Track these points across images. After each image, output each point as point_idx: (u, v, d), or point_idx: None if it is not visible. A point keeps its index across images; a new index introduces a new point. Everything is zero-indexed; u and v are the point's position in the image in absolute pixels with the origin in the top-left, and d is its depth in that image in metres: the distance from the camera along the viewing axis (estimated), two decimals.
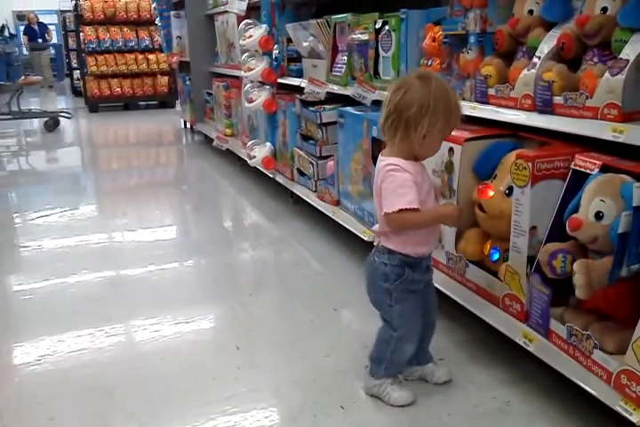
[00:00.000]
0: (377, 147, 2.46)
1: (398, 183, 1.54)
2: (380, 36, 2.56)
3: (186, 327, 2.21)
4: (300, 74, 3.55)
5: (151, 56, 9.42)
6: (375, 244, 1.71)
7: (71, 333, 2.18)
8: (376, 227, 1.68)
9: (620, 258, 1.24)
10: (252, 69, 3.71)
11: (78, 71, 11.01)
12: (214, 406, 1.71)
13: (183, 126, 7.27)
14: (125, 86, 9.35)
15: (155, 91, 9.49)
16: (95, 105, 9.28)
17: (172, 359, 1.99)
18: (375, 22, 2.56)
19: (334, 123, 2.93)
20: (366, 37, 2.66)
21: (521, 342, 1.66)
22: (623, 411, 1.34)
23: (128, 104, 9.53)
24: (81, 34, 9.42)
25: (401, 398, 1.67)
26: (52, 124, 7.35)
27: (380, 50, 2.58)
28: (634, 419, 1.32)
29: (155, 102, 9.67)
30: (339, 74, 3.00)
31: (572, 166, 1.59)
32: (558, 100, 1.63)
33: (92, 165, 5.84)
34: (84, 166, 5.81)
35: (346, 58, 2.93)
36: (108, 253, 3.09)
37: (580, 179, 1.55)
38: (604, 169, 1.50)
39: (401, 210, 1.51)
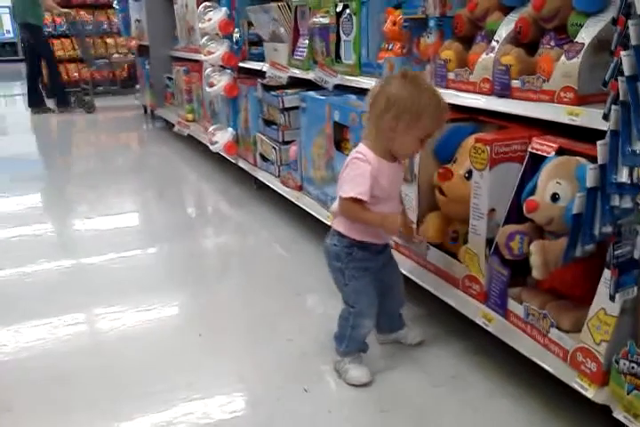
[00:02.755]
0: (339, 131, 2.46)
1: (359, 172, 1.59)
2: (341, 20, 2.53)
3: (147, 315, 2.19)
4: (261, 58, 3.50)
5: (109, 40, 9.19)
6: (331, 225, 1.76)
7: (29, 322, 2.13)
8: (334, 207, 1.73)
9: (574, 238, 1.26)
10: (212, 53, 3.65)
11: None
12: (176, 394, 1.70)
13: (143, 112, 7.13)
14: (83, 71, 9.09)
15: (114, 76, 9.26)
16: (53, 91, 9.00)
17: (133, 347, 1.97)
18: (336, 6, 2.54)
19: (297, 107, 2.91)
20: (327, 21, 2.64)
21: (480, 323, 1.69)
22: (579, 387, 1.38)
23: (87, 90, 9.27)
24: None
25: (355, 377, 1.71)
26: None
27: (342, 33, 2.56)
28: (589, 394, 1.36)
29: (114, 88, 9.43)
30: (300, 58, 2.98)
31: (529, 149, 1.61)
32: (516, 83, 1.64)
33: (49, 153, 5.68)
34: (42, 154, 5.64)
35: (307, 42, 2.90)
36: (66, 241, 3.02)
37: (537, 162, 1.58)
38: (561, 152, 1.52)
39: (352, 198, 1.58)
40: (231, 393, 1.71)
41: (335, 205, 1.71)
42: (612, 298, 1.20)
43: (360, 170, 1.59)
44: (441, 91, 1.92)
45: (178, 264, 2.70)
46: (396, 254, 2.11)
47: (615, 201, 1.14)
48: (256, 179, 3.59)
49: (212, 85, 3.70)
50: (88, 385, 1.76)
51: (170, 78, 5.66)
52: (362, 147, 1.63)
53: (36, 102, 7.60)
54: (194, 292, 2.40)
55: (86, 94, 7.92)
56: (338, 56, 2.62)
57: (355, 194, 1.58)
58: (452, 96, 1.89)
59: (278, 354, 1.89)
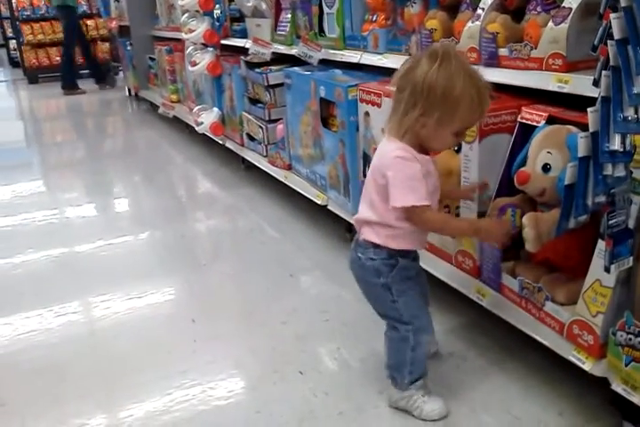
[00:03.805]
0: (325, 108, 2.40)
1: (409, 174, 1.33)
2: None
3: (139, 302, 2.16)
4: (244, 34, 3.42)
5: (89, 22, 8.99)
6: (355, 238, 1.51)
7: (18, 315, 2.10)
8: (360, 216, 1.47)
9: (567, 209, 1.23)
10: (193, 31, 3.56)
11: (14, 41, 10.44)
12: (171, 381, 1.68)
13: (127, 94, 7.01)
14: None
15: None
16: (34, 76, 8.85)
17: (126, 336, 1.94)
18: None
19: (282, 84, 2.85)
20: None
21: (474, 298, 1.67)
22: (576, 360, 1.37)
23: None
24: (13, 0, 8.89)
25: (434, 410, 1.46)
26: None
27: (324, 6, 2.49)
28: (586, 367, 1.34)
29: None
30: (283, 33, 2.90)
31: (518, 119, 1.57)
32: (503, 52, 1.59)
33: (34, 139, 5.59)
34: (27, 140, 5.55)
35: (290, 16, 2.82)
36: (54, 230, 2.97)
37: (527, 132, 1.54)
38: (551, 121, 1.48)
39: (414, 207, 1.33)
40: (227, 379, 1.69)
41: (364, 214, 1.45)
42: (607, 269, 1.17)
43: (410, 170, 1.33)
44: None
45: (168, 249, 2.67)
46: None
47: (608, 170, 1.10)
48: (244, 159, 3.54)
49: (194, 64, 3.62)
50: (81, 376, 1.74)
51: (152, 59, 5.55)
52: (396, 142, 1.35)
53: (69, 85, 7.55)
54: (185, 277, 2.37)
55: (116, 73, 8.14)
56: (321, 30, 2.55)
57: (415, 201, 1.32)
58: None
59: (273, 337, 1.87)
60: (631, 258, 1.18)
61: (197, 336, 1.91)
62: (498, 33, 1.60)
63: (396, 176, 1.33)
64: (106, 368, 1.77)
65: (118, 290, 2.24)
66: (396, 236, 1.41)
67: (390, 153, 1.35)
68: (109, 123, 6.11)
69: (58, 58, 8.82)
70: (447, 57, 1.30)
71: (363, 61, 2.26)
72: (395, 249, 1.42)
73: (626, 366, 1.24)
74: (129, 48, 6.10)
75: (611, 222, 1.16)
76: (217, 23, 3.60)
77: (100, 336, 1.96)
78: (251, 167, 3.47)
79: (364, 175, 2.18)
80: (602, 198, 1.15)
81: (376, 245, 1.43)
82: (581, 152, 1.15)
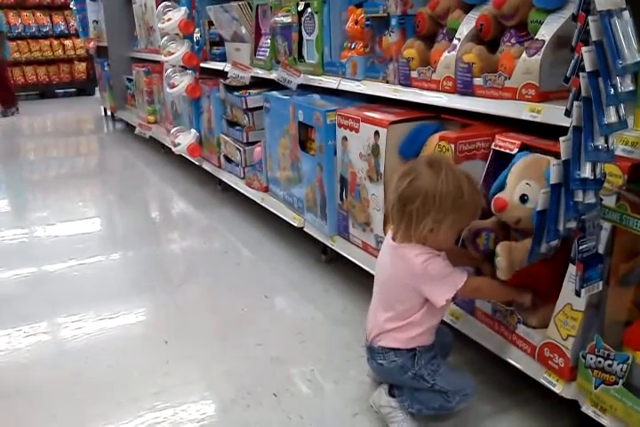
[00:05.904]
0: (304, 131, 2.43)
1: (439, 267, 1.39)
2: (302, 19, 2.51)
3: (110, 323, 2.13)
4: (223, 58, 3.46)
5: (67, 42, 9.01)
6: (367, 345, 1.53)
7: None
8: (376, 325, 1.50)
9: (539, 235, 1.26)
10: (172, 54, 3.58)
11: None
12: (142, 403, 1.65)
13: (103, 114, 6.98)
14: (41, 74, 8.91)
15: (72, 78, 9.10)
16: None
17: (97, 357, 1.91)
18: (297, 4, 2.51)
19: (260, 108, 2.87)
20: (289, 20, 2.62)
21: (448, 320, 1.68)
22: (547, 382, 1.39)
23: (44, 92, 9.08)
24: None
25: None
26: None
27: (304, 33, 2.54)
28: (557, 390, 1.36)
29: (73, 90, 9.25)
30: (263, 57, 2.94)
31: (492, 147, 1.61)
32: (478, 81, 1.64)
33: (7, 157, 5.50)
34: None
35: (269, 41, 2.87)
36: (25, 249, 2.92)
37: (500, 159, 1.58)
38: (524, 149, 1.53)
39: (463, 286, 1.39)
40: (199, 401, 1.67)
41: (383, 325, 1.47)
42: (577, 293, 1.21)
43: (439, 266, 1.39)
44: (404, 90, 1.94)
45: (142, 270, 2.64)
46: (357, 250, 2.11)
47: (579, 196, 1.13)
48: (220, 181, 3.54)
49: (173, 86, 3.63)
50: (49, 398, 1.70)
51: (130, 80, 5.56)
52: (413, 249, 1.40)
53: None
54: (159, 298, 2.34)
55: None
56: (300, 55, 2.60)
57: (461, 281, 1.38)
58: (415, 95, 1.89)
59: (247, 359, 1.86)
60: (601, 282, 1.22)
61: (170, 358, 1.88)
62: (473, 63, 1.65)
63: (433, 277, 1.38)
64: (76, 390, 1.73)
65: (90, 310, 2.21)
66: (420, 334, 1.46)
67: (415, 259, 1.39)
68: (84, 142, 6.07)
69: (33, 76, 8.82)
70: (447, 165, 1.38)
71: (341, 87, 2.30)
72: (415, 347, 1.46)
73: (595, 388, 1.27)
74: (106, 68, 6.11)
75: (581, 248, 1.19)
76: (196, 46, 3.64)
77: (71, 357, 1.92)
78: (227, 189, 3.47)
79: (341, 199, 2.21)
80: (573, 224, 1.19)
81: (396, 349, 1.46)
82: (553, 179, 1.18)
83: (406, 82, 1.95)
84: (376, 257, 2.03)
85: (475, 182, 1.42)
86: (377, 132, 1.92)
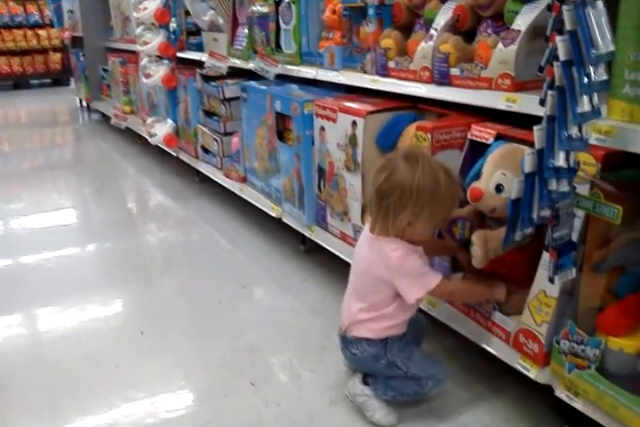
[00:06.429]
0: (281, 121, 2.43)
1: (416, 267, 1.41)
2: (280, 9, 2.50)
3: (86, 314, 2.11)
4: (200, 48, 3.42)
5: (41, 32, 8.82)
6: (341, 335, 1.55)
7: None
8: (350, 316, 1.51)
9: (513, 223, 1.28)
10: (148, 43, 3.54)
11: None
12: (118, 394, 1.64)
13: (79, 105, 6.88)
14: (15, 64, 8.73)
15: (47, 68, 8.92)
16: None
17: (73, 348, 1.89)
18: None
19: (238, 98, 2.86)
20: (266, 10, 2.60)
21: (424, 308, 1.70)
22: (522, 368, 1.41)
23: (19, 83, 8.90)
24: None
25: (386, 417, 1.49)
26: None
27: (281, 22, 2.52)
28: (531, 375, 1.38)
29: (48, 80, 9.09)
30: (240, 47, 2.92)
31: (468, 136, 1.62)
32: (455, 71, 1.65)
33: None
34: None
35: (247, 31, 2.85)
36: (0, 241, 2.88)
37: (477, 148, 1.59)
38: (499, 138, 1.54)
39: (436, 286, 1.41)
40: (175, 391, 1.66)
41: (355, 315, 1.49)
42: (551, 280, 1.22)
43: (415, 263, 1.40)
44: (382, 80, 1.94)
45: (118, 261, 2.61)
46: (335, 240, 2.11)
47: (553, 185, 1.15)
48: (198, 171, 3.52)
49: (148, 76, 3.59)
50: (25, 389, 1.68)
51: (105, 70, 5.48)
52: (389, 240, 1.42)
53: None
54: (135, 289, 2.32)
55: None
56: (278, 45, 2.58)
57: (434, 284, 1.40)
58: (393, 85, 1.89)
59: (224, 349, 1.85)
60: (574, 269, 1.24)
61: (146, 349, 1.87)
62: (450, 53, 1.66)
63: (407, 274, 1.40)
64: (51, 381, 1.72)
65: (65, 302, 2.19)
66: (392, 326, 1.48)
67: (391, 253, 1.40)
68: (59, 133, 5.97)
69: (7, 67, 8.62)
70: (424, 158, 1.39)
71: (319, 77, 2.30)
72: (388, 337, 1.48)
73: (569, 373, 1.29)
74: (81, 59, 6.01)
75: (555, 235, 1.21)
76: (173, 36, 3.60)
77: (46, 349, 1.90)
78: (205, 179, 3.45)
79: (319, 189, 2.21)
80: (546, 212, 1.20)
81: (369, 340, 1.48)
82: (528, 168, 1.20)
83: (384, 72, 1.95)
84: (354, 247, 2.05)
85: (452, 175, 1.41)
86: (354, 122, 1.93)
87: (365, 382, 1.53)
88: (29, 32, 8.78)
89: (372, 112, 1.90)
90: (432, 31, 1.74)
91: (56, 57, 8.85)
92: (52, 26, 8.12)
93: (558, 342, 1.31)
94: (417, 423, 1.49)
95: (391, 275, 1.41)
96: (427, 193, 1.35)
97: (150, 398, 1.63)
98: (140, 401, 1.62)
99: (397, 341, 1.49)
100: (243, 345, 1.87)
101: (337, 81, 2.19)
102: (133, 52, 4.45)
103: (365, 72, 2.06)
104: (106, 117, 5.52)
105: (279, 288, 2.28)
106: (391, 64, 1.91)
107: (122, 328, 2.02)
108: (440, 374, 1.48)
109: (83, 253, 2.74)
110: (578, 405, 1.29)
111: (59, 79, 8.96)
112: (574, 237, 1.24)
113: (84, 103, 6.52)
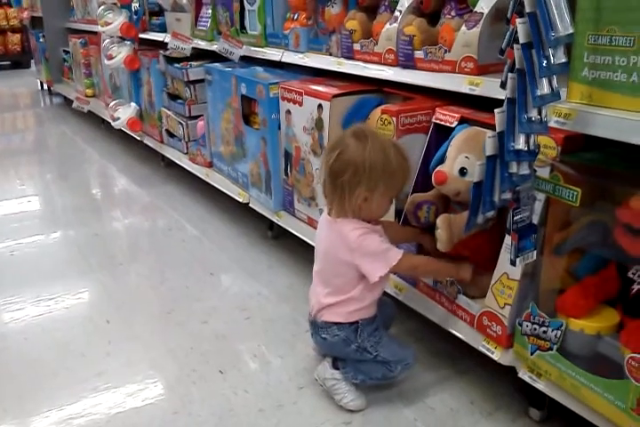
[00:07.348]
0: (247, 105, 2.39)
1: (376, 245, 1.41)
2: None
3: (50, 304, 2.07)
4: (163, 28, 3.34)
5: None
6: (311, 320, 1.55)
7: None
8: (318, 300, 1.51)
9: (475, 206, 1.28)
10: (109, 24, 3.44)
11: None
12: (85, 384, 1.62)
13: (40, 88, 6.69)
14: None
15: (6, 50, 8.63)
16: None
17: (37, 339, 1.86)
18: None
19: (202, 80, 2.80)
20: None
21: (392, 292, 1.71)
22: (486, 350, 1.43)
23: None
24: None
25: (354, 401, 1.50)
26: None
27: (246, 3, 2.47)
28: (495, 357, 1.40)
29: (7, 63, 8.80)
30: (204, 28, 2.86)
31: (433, 120, 1.62)
32: (419, 54, 1.64)
33: None
34: None
35: (210, 11, 2.79)
36: None
37: (441, 132, 1.59)
38: (463, 121, 1.54)
39: (399, 261, 1.41)
40: (143, 380, 1.65)
41: (323, 300, 1.49)
42: (513, 263, 1.23)
43: (375, 242, 1.40)
44: (348, 62, 1.92)
45: (82, 249, 2.56)
46: (303, 225, 2.11)
47: (513, 168, 1.15)
48: (163, 156, 3.46)
49: (110, 58, 3.50)
50: None
51: (67, 52, 5.33)
52: (349, 221, 1.42)
53: None
54: (100, 277, 2.28)
55: None
56: (243, 26, 2.53)
57: (395, 259, 1.40)
58: (359, 68, 1.87)
59: (192, 337, 1.84)
60: (535, 251, 1.25)
61: (112, 338, 1.85)
62: (414, 36, 1.65)
63: (368, 252, 1.40)
64: (16, 373, 1.69)
65: (29, 291, 2.14)
66: (360, 309, 1.48)
67: (350, 233, 1.40)
68: (20, 118, 5.80)
69: None
70: (373, 135, 1.42)
71: (284, 60, 2.26)
72: (357, 320, 1.48)
73: (531, 354, 1.31)
74: (41, 40, 5.83)
75: (516, 218, 1.22)
76: (135, 16, 3.51)
77: (10, 339, 1.86)
78: (170, 164, 3.40)
79: (286, 174, 2.19)
80: (508, 195, 1.21)
81: (339, 324, 1.48)
82: (489, 151, 1.20)
83: (349, 54, 1.92)
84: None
85: (402, 149, 1.44)
86: (320, 106, 1.90)
87: (335, 367, 1.54)
88: None
89: (337, 95, 1.88)
90: (396, 13, 1.72)
91: (15, 38, 8.56)
92: (9, 5, 7.85)
93: (521, 325, 1.33)
94: (384, 407, 1.51)
95: (352, 255, 1.41)
96: (379, 167, 1.37)
97: (118, 387, 1.61)
98: (108, 392, 1.60)
99: (368, 325, 1.49)
100: (210, 333, 1.86)
101: (302, 63, 2.16)
102: (95, 32, 4.33)
103: (331, 54, 2.03)
104: (68, 101, 5.38)
105: (246, 275, 2.26)
106: (356, 46, 1.88)
107: (87, 317, 1.99)
108: (409, 358, 1.50)
109: (46, 240, 2.68)
110: (540, 386, 1.31)
111: (19, 61, 8.69)
112: (535, 220, 1.25)
113: (45, 86, 6.35)
